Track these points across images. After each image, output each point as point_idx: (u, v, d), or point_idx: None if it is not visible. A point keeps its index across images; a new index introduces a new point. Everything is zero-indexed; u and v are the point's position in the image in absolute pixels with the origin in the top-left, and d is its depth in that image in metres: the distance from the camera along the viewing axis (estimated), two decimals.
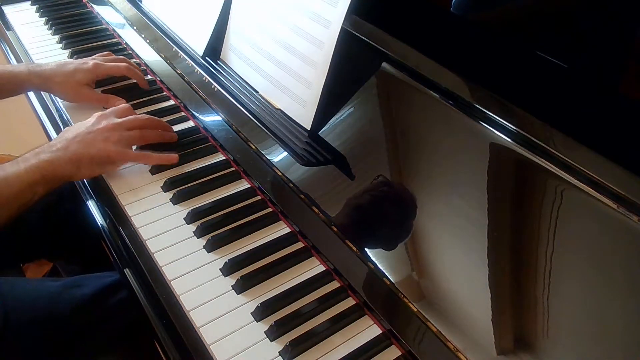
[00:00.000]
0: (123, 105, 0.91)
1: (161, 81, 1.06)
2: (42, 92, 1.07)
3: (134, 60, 1.13)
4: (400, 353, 0.63)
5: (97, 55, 1.04)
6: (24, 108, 1.19)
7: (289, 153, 0.80)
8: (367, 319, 0.67)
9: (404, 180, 0.71)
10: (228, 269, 0.71)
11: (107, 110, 0.88)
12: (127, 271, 0.76)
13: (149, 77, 1.09)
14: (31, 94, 1.09)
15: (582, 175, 0.56)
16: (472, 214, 0.63)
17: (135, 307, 0.73)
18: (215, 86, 0.95)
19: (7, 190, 0.76)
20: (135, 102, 1.01)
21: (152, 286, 0.72)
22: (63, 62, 1.01)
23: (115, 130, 0.83)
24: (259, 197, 0.83)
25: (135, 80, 1.04)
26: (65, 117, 1.00)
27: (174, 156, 0.87)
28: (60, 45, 1.19)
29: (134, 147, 0.87)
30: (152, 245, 0.75)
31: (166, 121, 0.96)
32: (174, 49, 1.06)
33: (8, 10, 1.32)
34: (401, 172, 0.72)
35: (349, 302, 0.69)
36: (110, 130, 0.83)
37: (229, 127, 0.90)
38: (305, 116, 0.82)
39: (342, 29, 0.77)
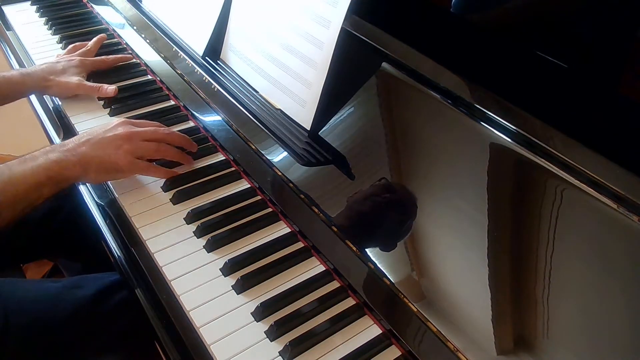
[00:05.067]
0: (150, 121, 0.89)
1: (161, 81, 1.06)
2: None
3: (134, 60, 1.13)
4: (400, 353, 0.63)
5: (71, 48, 1.11)
6: (24, 108, 1.19)
7: (289, 153, 0.80)
8: (367, 319, 0.67)
9: (404, 180, 0.71)
10: (228, 269, 0.71)
11: (131, 120, 0.87)
12: (127, 271, 0.76)
13: (149, 77, 1.09)
14: None
15: (582, 175, 0.56)
16: (471, 214, 0.63)
17: (135, 308, 0.73)
18: (215, 86, 0.95)
19: (12, 190, 0.74)
20: (134, 102, 1.01)
21: (152, 286, 0.72)
22: (53, 63, 1.04)
23: (131, 139, 0.81)
24: (259, 197, 0.83)
25: (135, 81, 1.05)
26: (65, 119, 1.00)
27: (174, 172, 0.85)
28: (61, 45, 1.19)
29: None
30: (152, 245, 0.75)
31: (166, 121, 0.96)
32: (174, 49, 1.06)
33: (8, 10, 1.32)
34: (401, 172, 0.72)
35: (349, 302, 0.69)
36: (125, 138, 0.80)
37: (229, 127, 0.90)
38: (305, 116, 0.82)
39: (342, 29, 0.77)
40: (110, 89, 1.00)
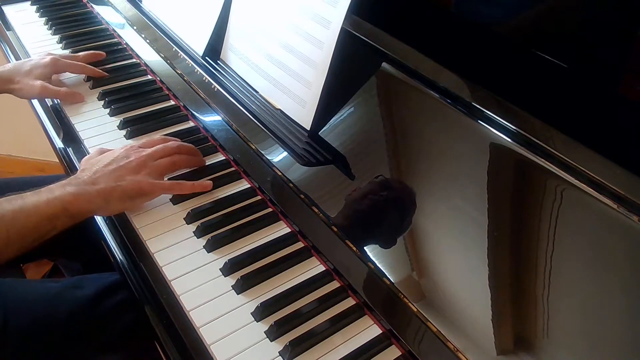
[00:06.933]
0: (154, 138, 0.88)
1: (161, 81, 1.06)
2: None
3: (134, 60, 1.13)
4: (400, 353, 0.63)
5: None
6: (24, 108, 1.19)
7: (289, 153, 0.81)
8: (367, 319, 0.67)
9: (404, 180, 0.71)
10: (228, 269, 0.71)
11: (137, 143, 0.86)
12: (127, 272, 0.76)
13: (149, 77, 1.09)
14: None
15: (582, 175, 0.56)
16: (472, 214, 0.63)
17: (135, 308, 0.73)
18: (215, 86, 0.95)
19: (23, 220, 0.71)
20: (134, 102, 1.01)
21: (152, 286, 0.72)
22: (21, 62, 1.04)
23: (146, 162, 0.81)
24: (259, 197, 0.83)
25: (135, 81, 1.05)
26: (65, 119, 1.00)
27: (208, 183, 0.83)
28: (61, 45, 1.19)
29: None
30: (152, 246, 0.75)
31: (166, 121, 0.97)
32: (174, 49, 1.06)
33: (8, 10, 1.32)
34: (401, 171, 0.72)
35: (349, 302, 0.69)
36: (140, 163, 0.80)
37: (229, 127, 0.90)
38: (305, 116, 0.83)
39: (342, 29, 0.77)
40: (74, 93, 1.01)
